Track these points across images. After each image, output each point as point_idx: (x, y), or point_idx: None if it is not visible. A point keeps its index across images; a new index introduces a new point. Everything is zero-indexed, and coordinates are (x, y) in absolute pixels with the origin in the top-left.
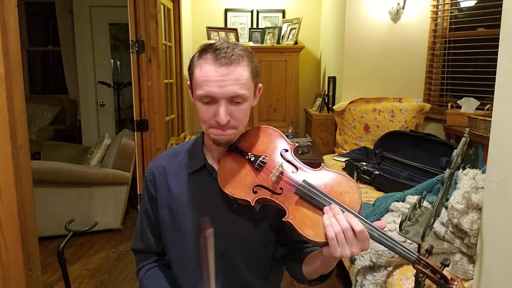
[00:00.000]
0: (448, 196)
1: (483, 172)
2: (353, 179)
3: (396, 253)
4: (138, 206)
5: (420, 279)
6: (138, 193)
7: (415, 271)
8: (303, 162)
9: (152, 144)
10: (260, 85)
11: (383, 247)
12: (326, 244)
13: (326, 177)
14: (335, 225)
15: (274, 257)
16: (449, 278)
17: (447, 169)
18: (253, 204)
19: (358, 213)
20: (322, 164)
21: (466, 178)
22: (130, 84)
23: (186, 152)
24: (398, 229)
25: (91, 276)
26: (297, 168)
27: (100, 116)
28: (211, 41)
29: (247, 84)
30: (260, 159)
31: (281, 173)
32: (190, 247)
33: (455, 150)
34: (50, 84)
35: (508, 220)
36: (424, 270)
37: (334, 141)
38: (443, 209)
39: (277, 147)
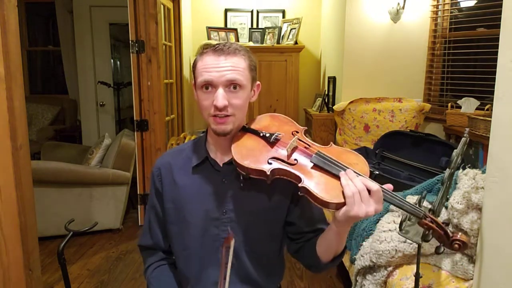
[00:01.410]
0: (448, 196)
1: (483, 172)
2: None
3: (405, 210)
4: (138, 206)
5: (426, 232)
6: (138, 193)
7: (415, 271)
8: None
9: (152, 144)
10: (258, 82)
11: (383, 247)
12: (341, 206)
13: (336, 151)
14: (351, 185)
15: (279, 253)
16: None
17: (447, 169)
18: (268, 174)
19: None
20: (331, 142)
21: (466, 178)
22: (130, 84)
23: (190, 148)
24: (398, 229)
25: (91, 276)
26: (309, 145)
27: (100, 116)
28: (211, 41)
29: (244, 73)
30: (275, 135)
31: (295, 147)
32: (194, 238)
33: (455, 150)
34: (50, 84)
35: (508, 220)
36: (431, 224)
37: (334, 141)
38: (443, 209)
39: (288, 129)
